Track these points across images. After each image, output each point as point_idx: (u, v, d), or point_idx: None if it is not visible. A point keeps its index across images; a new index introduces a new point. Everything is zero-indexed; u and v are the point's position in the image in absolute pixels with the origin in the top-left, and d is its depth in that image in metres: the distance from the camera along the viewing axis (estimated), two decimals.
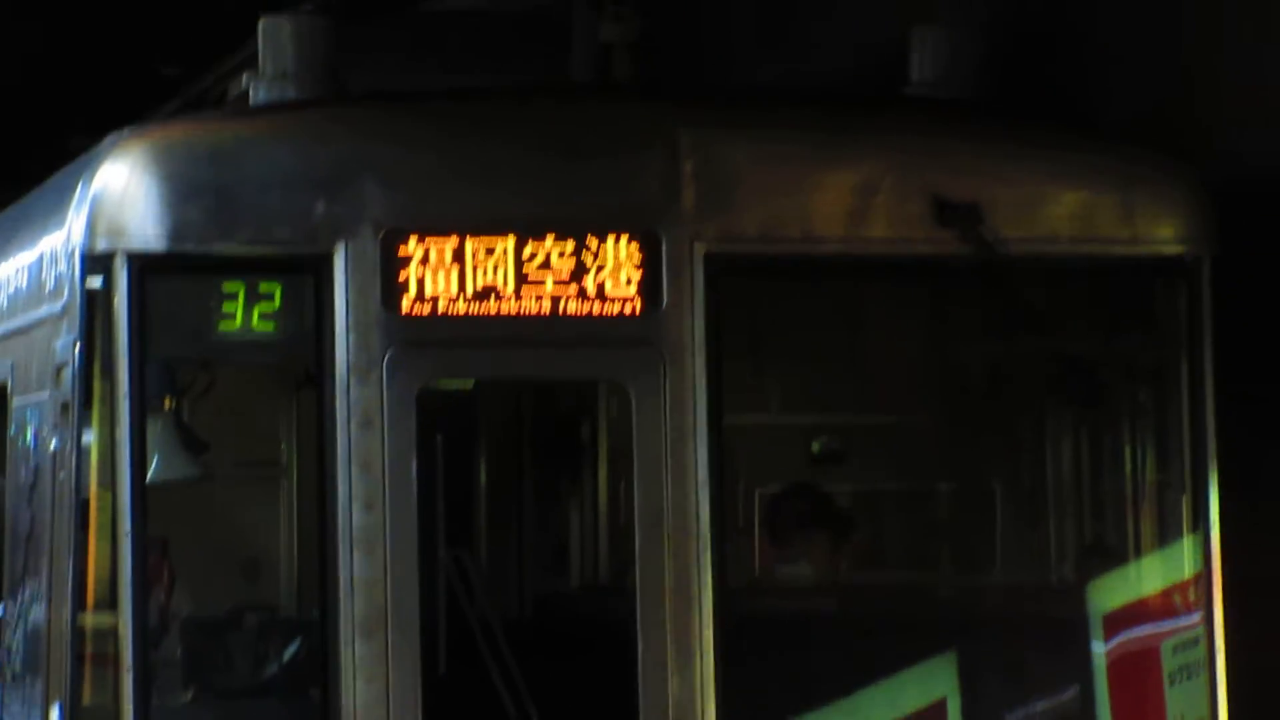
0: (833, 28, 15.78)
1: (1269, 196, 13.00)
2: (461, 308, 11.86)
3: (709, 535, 11.73)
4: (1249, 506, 12.61)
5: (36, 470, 13.14)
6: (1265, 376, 12.99)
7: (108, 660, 11.66)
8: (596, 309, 11.90)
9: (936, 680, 12.28)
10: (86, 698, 11.86)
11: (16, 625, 13.97)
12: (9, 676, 13.99)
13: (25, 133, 19.25)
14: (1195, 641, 12.23)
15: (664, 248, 11.90)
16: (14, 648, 13.90)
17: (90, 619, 11.87)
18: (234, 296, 11.88)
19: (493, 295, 11.87)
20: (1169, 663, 12.28)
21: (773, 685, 11.99)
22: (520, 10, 18.60)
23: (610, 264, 11.91)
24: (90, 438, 11.84)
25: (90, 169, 12.05)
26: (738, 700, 11.76)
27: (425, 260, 11.83)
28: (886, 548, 13.60)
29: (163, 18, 21.61)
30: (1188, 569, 12.31)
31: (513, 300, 11.89)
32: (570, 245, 11.89)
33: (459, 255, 11.86)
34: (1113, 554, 12.69)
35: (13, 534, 13.93)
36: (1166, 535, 12.46)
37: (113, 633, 11.61)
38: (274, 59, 12.73)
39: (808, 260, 12.21)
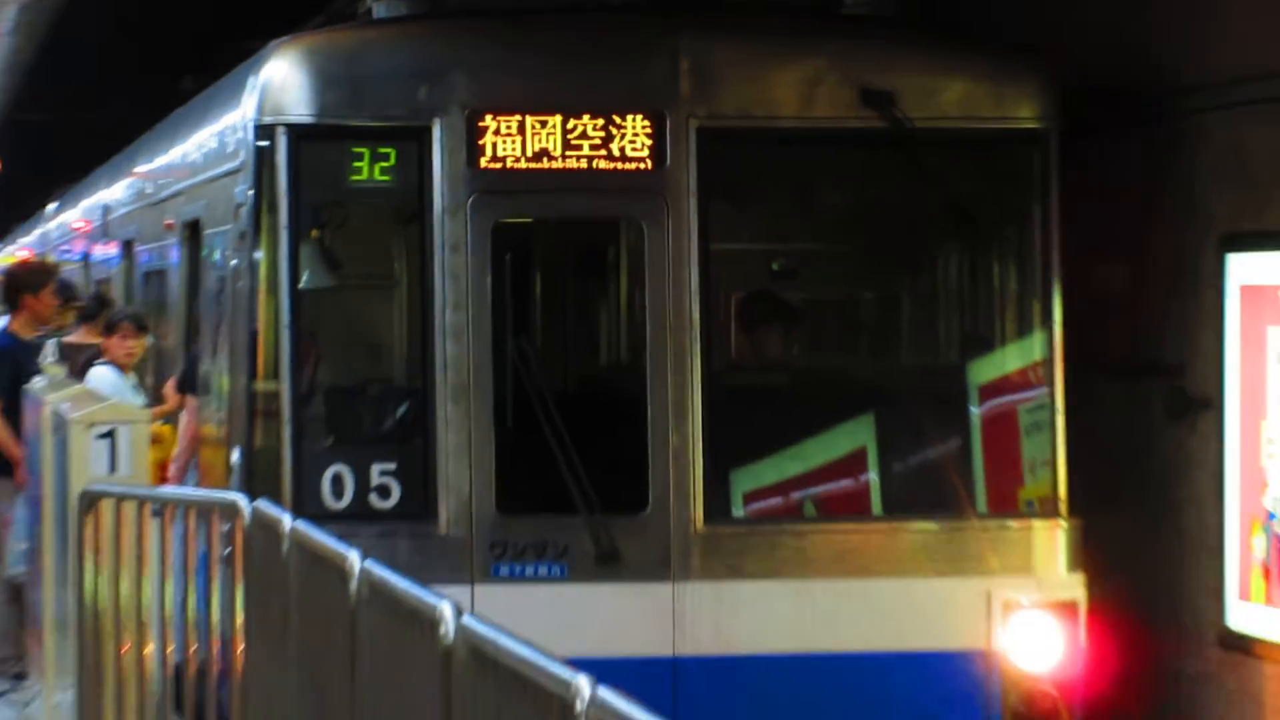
0: None
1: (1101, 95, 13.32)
2: (522, 165, 12.15)
3: (699, 328, 12.09)
4: (1084, 308, 13.06)
5: (221, 281, 13.67)
6: (1094, 216, 13.26)
7: (272, 415, 12.23)
8: (619, 166, 12.18)
9: (859, 433, 12.62)
10: (258, 442, 12.46)
11: (211, 389, 14.50)
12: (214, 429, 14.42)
13: (216, 34, 19.23)
14: (1042, 406, 12.41)
15: (667, 123, 12.18)
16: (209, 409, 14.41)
17: (260, 386, 12.47)
18: (361, 156, 12.24)
19: (544, 156, 12.14)
20: (1024, 420, 12.46)
21: (743, 436, 12.38)
22: None
23: (629, 134, 12.17)
24: (259, 257, 12.41)
25: (258, 66, 12.58)
26: (718, 447, 12.09)
27: (497, 132, 12.10)
28: (824, 338, 13.75)
29: None
30: (1038, 354, 12.52)
31: (559, 160, 12.15)
32: (600, 121, 12.16)
33: (520, 128, 12.12)
34: (986, 343, 12.97)
35: (205, 326, 14.44)
36: (1024, 330, 12.70)
37: (276, 396, 12.18)
38: None
39: (771, 132, 12.55)
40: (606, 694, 5.06)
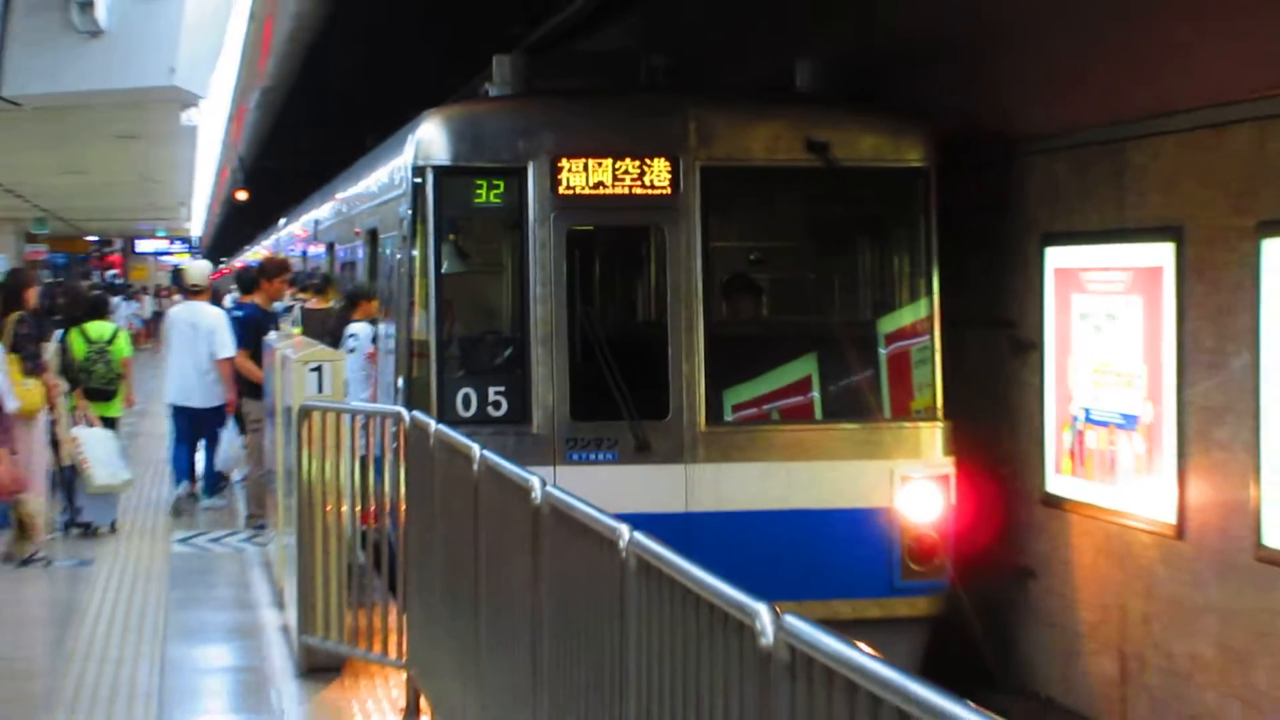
0: (762, 59, 15.76)
1: (965, 143, 13.32)
2: (586, 191, 12.09)
3: (701, 298, 12.09)
4: (954, 283, 13.06)
5: (391, 270, 13.67)
6: (961, 222, 13.22)
7: (424, 356, 12.25)
8: (649, 192, 12.11)
9: (806, 366, 12.61)
10: (415, 373, 12.50)
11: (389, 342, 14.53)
12: (389, 363, 14.40)
13: (387, 106, 19.22)
14: (926, 348, 12.40)
15: (680, 164, 12.13)
16: (389, 351, 14.39)
17: (416, 335, 12.51)
18: (481, 186, 12.23)
19: (600, 186, 12.09)
20: (914, 357, 12.48)
21: (730, 368, 12.36)
22: (615, 51, 18.76)
23: (655, 171, 12.10)
24: (415, 253, 12.42)
25: (414, 127, 12.52)
26: (714, 375, 12.10)
27: (570, 170, 12.05)
28: (783, 304, 13.69)
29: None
30: (923, 313, 12.47)
31: (610, 188, 12.09)
32: (637, 163, 12.10)
33: (585, 167, 12.07)
34: (889, 306, 12.88)
35: (385, 300, 14.40)
36: (913, 298, 12.63)
37: (426, 343, 12.20)
38: (499, 74, 13.05)
39: (749, 169, 12.47)
40: (639, 536, 5.10)
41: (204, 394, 17.24)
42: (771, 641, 3.90)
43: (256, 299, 16.72)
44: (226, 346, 16.75)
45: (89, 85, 8.94)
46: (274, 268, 17.04)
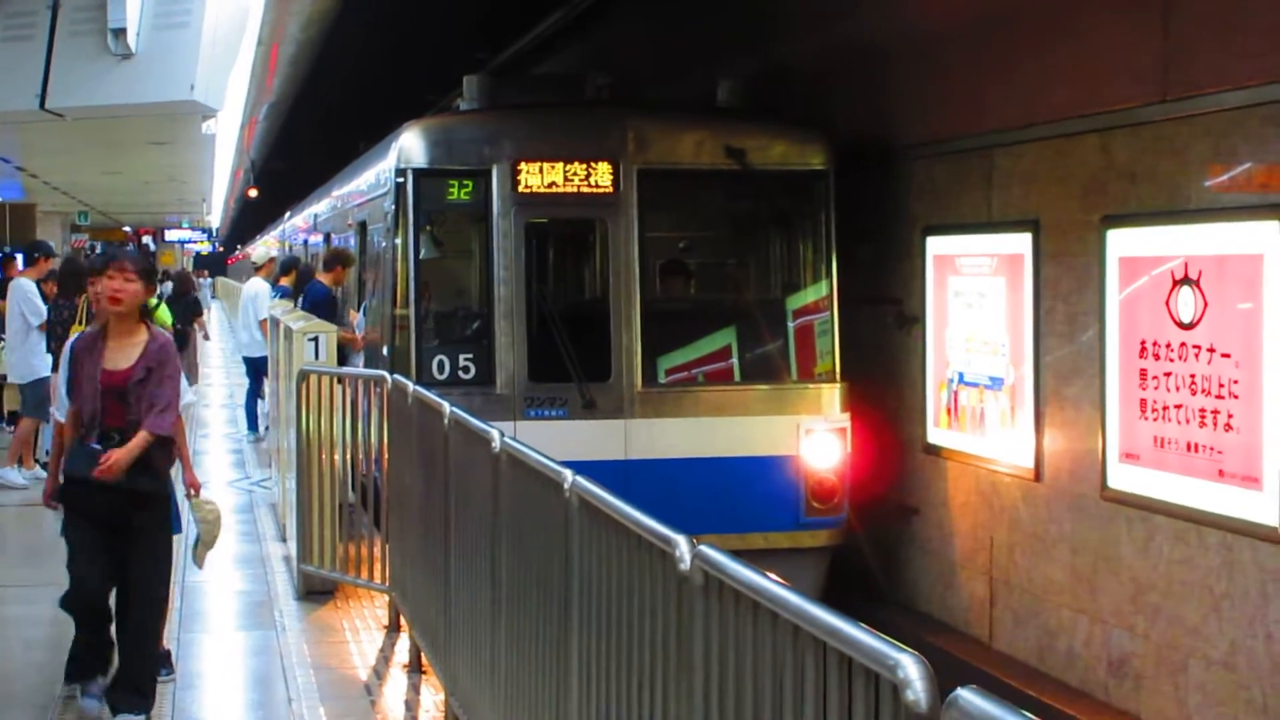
0: (689, 79, 15.75)
1: (855, 151, 13.32)
2: (542, 190, 12.00)
3: (638, 278, 12.04)
4: (850, 267, 13.07)
5: (378, 255, 13.54)
6: (856, 216, 13.22)
7: (404, 328, 12.16)
8: (595, 190, 12.03)
9: (726, 337, 12.57)
10: (397, 343, 12.43)
11: (371, 314, 14.43)
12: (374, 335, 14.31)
13: (376, 117, 19.09)
14: (826, 321, 12.38)
15: (621, 167, 12.07)
16: (370, 323, 14.30)
17: (398, 311, 12.42)
18: (453, 185, 12.12)
19: (554, 184, 12.00)
20: (816, 329, 12.41)
21: (662, 338, 12.30)
22: (565, 73, 18.69)
23: (599, 173, 12.03)
24: (398, 242, 12.33)
25: (397, 136, 12.41)
26: (648, 344, 12.05)
27: (528, 172, 11.97)
28: (707, 285, 13.56)
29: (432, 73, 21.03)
30: (824, 292, 12.43)
31: (561, 187, 12.01)
32: (584, 165, 12.03)
33: (541, 169, 11.99)
34: (795, 286, 12.81)
35: (369, 279, 14.29)
36: (815, 279, 12.58)
37: (407, 317, 12.10)
38: (468, 92, 13.01)
39: (677, 172, 12.37)
40: (580, 479, 5.07)
41: (253, 346, 19.83)
42: (688, 567, 3.90)
43: (325, 280, 16.52)
44: (261, 303, 18.88)
45: (121, 100, 8.90)
46: (341, 258, 16.86)
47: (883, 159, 13.33)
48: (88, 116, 9.53)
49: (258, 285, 19.80)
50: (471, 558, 6.97)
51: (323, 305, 15.63)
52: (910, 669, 2.68)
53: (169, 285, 27.45)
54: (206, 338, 30.97)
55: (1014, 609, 11.48)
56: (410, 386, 8.95)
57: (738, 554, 3.69)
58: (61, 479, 7.67)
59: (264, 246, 20.90)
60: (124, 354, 7.46)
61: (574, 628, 5.10)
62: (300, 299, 16.73)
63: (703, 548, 3.85)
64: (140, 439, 7.41)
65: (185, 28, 8.55)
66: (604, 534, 4.73)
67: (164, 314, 17.88)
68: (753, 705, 3.47)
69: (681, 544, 3.98)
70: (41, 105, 8.64)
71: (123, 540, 7.54)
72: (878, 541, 13.27)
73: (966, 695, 2.47)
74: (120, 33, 8.46)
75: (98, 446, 7.39)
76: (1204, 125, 9.22)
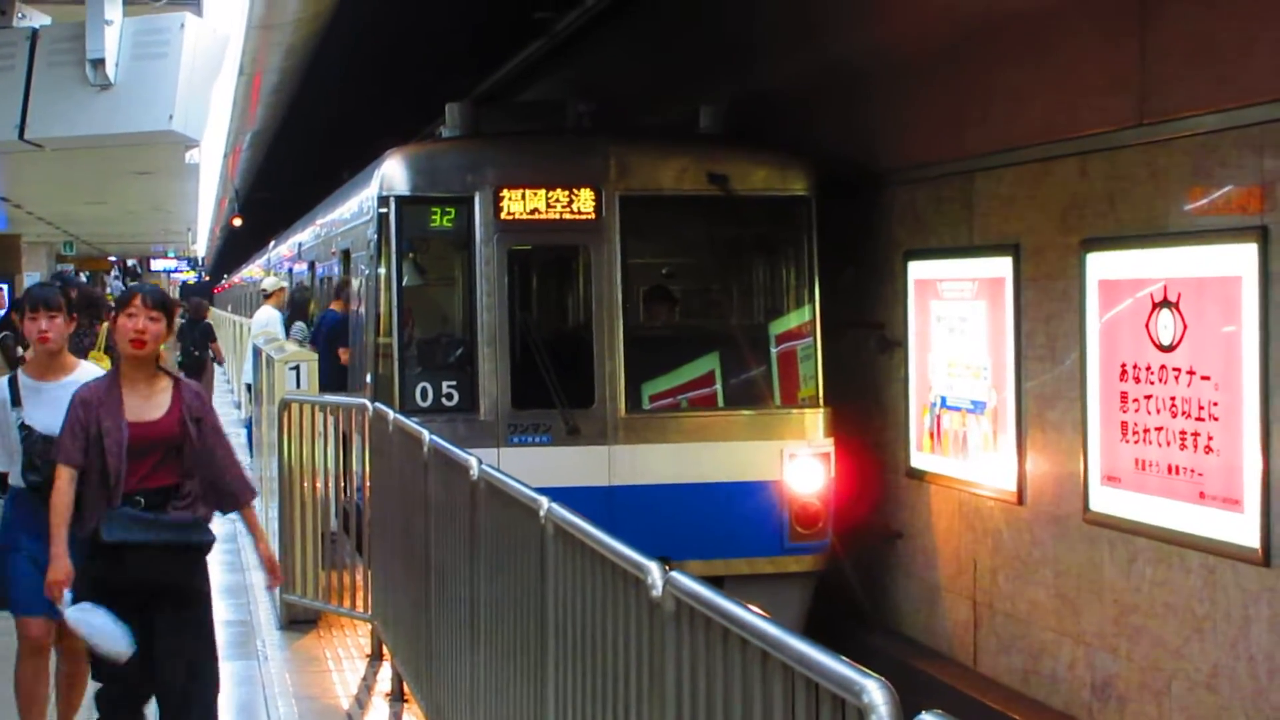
0: (671, 105, 15.75)
1: (837, 177, 13.35)
2: (524, 216, 12.01)
3: (620, 305, 12.04)
4: (833, 291, 13.07)
5: (362, 283, 13.49)
6: (829, 241, 13.24)
7: (388, 355, 12.17)
8: (577, 217, 12.04)
9: (710, 362, 12.54)
10: (380, 370, 12.44)
11: (356, 341, 14.41)
12: (355, 362, 14.30)
13: (360, 145, 19.11)
14: (809, 346, 12.39)
15: (603, 193, 12.09)
16: (356, 350, 14.27)
17: (381, 339, 12.45)
18: (436, 212, 12.13)
19: (536, 211, 12.01)
20: (800, 354, 12.42)
21: (646, 365, 12.27)
22: (551, 100, 18.70)
23: (582, 199, 12.04)
24: (381, 269, 12.36)
25: (379, 164, 12.43)
26: (632, 370, 12.06)
27: (510, 199, 11.98)
28: (690, 310, 13.48)
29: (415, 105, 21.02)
30: (807, 317, 12.45)
31: (544, 213, 12.01)
32: (567, 192, 12.04)
33: (523, 196, 12.00)
34: (778, 312, 12.82)
35: (357, 308, 14.23)
36: (799, 304, 12.59)
37: (390, 345, 12.12)
38: (451, 119, 13.00)
39: (660, 198, 12.36)
40: (555, 506, 5.08)
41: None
42: (660, 593, 3.91)
43: (337, 307, 16.60)
44: (276, 331, 18.99)
45: (100, 130, 8.88)
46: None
47: (864, 183, 13.35)
48: (67, 147, 9.51)
49: (268, 313, 19.90)
50: (451, 585, 6.97)
51: (338, 329, 15.81)
52: (875, 694, 2.69)
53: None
54: (220, 363, 30.98)
55: (998, 632, 11.47)
56: (390, 414, 8.95)
57: (722, 580, 3.71)
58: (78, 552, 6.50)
59: (273, 276, 21.09)
60: (151, 404, 6.59)
61: (550, 655, 5.10)
62: (314, 327, 17.13)
63: (675, 574, 3.86)
64: (251, 517, 6.96)
65: (164, 58, 8.54)
66: (579, 561, 4.73)
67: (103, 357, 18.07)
68: None
69: (654, 571, 3.98)
70: (20, 136, 8.63)
71: (164, 618, 6.51)
72: (862, 566, 13.25)
73: None
74: (99, 63, 8.45)
75: (148, 514, 6.41)
76: (1181, 148, 9.26)
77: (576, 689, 4.79)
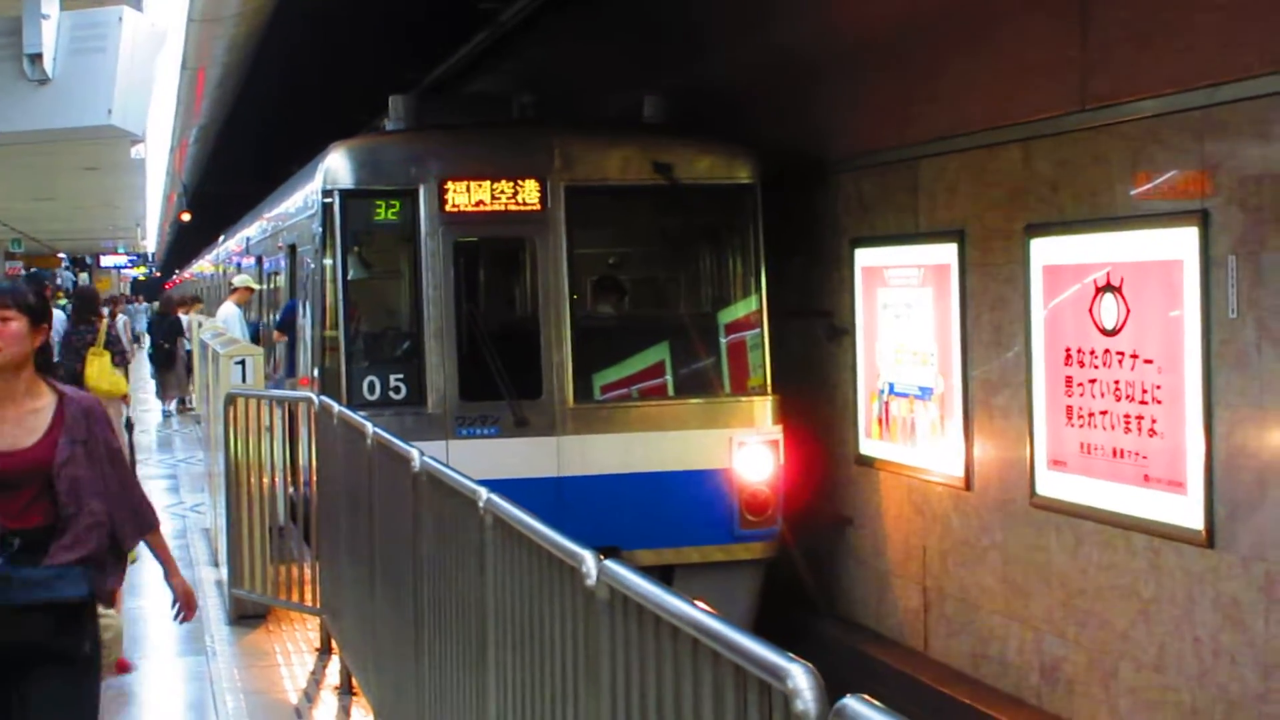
0: (615, 96, 15.74)
1: (783, 165, 13.33)
2: (469, 208, 11.96)
3: (567, 295, 12.01)
4: (781, 280, 13.08)
5: (308, 276, 13.30)
6: (785, 230, 13.25)
7: (334, 349, 12.13)
8: (522, 208, 12.00)
9: (660, 352, 12.52)
10: (326, 363, 12.35)
11: (300, 335, 14.33)
12: (299, 354, 14.28)
13: (306, 139, 19.07)
14: (758, 335, 12.39)
15: (548, 184, 12.05)
16: (301, 343, 14.21)
17: (328, 333, 12.38)
18: (380, 205, 12.08)
19: (481, 203, 11.97)
20: (748, 343, 12.37)
21: (595, 355, 12.26)
22: (496, 92, 18.70)
23: (527, 191, 12.01)
24: (326, 263, 12.26)
25: (323, 158, 12.34)
26: (580, 361, 12.02)
27: (455, 191, 11.93)
28: (638, 300, 13.41)
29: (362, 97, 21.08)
30: (755, 306, 12.46)
31: (489, 205, 11.96)
32: (512, 183, 12.01)
33: (468, 188, 11.95)
34: (726, 301, 12.81)
35: (303, 301, 14.15)
36: (746, 293, 12.60)
37: (336, 338, 12.09)
38: (395, 112, 12.99)
39: (605, 188, 12.34)
40: (493, 497, 5.08)
41: None
42: (594, 583, 3.90)
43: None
44: (234, 329, 18.93)
45: (38, 125, 8.83)
46: None
47: (810, 172, 13.37)
48: (6, 143, 9.46)
49: (228, 309, 19.79)
50: (395, 578, 6.95)
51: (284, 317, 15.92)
52: (799, 679, 2.69)
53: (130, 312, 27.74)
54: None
55: (947, 617, 11.51)
56: (335, 407, 8.92)
57: (673, 569, 3.71)
58: None
59: (243, 275, 21.06)
60: (22, 428, 5.38)
61: (490, 645, 5.09)
62: (281, 314, 17.06)
63: (608, 563, 3.85)
64: (160, 544, 5.90)
65: (101, 53, 8.48)
66: (517, 551, 4.72)
67: (104, 353, 18.26)
68: (656, 718, 3.48)
69: (588, 560, 3.97)
70: None
71: (37, 688, 5.32)
72: (812, 553, 13.26)
73: (853, 704, 2.48)
74: (36, 58, 8.39)
75: (2, 569, 5.22)
76: (1122, 133, 9.31)
77: (516, 678, 4.79)
